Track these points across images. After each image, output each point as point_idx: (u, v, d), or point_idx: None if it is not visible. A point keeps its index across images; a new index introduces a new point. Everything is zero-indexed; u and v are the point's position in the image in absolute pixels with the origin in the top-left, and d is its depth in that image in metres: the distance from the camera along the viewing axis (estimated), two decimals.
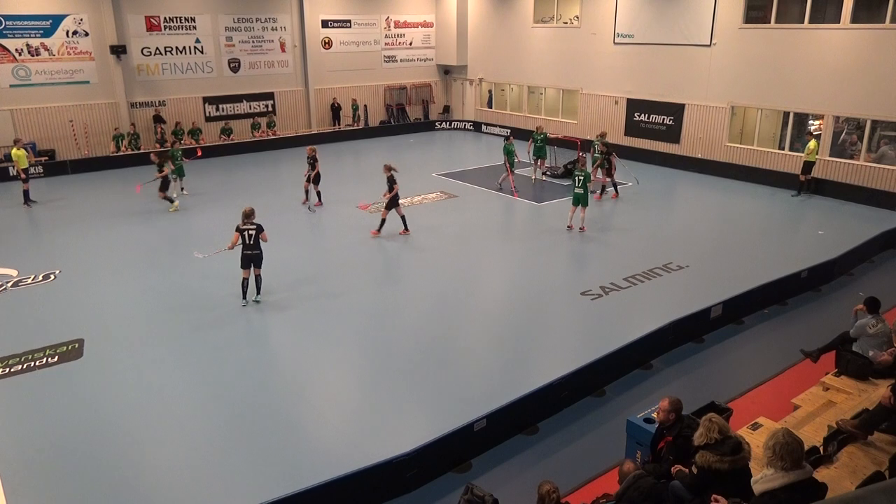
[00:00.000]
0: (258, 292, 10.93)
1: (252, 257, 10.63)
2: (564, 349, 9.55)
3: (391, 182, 13.91)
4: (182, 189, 17.90)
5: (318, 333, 10.07)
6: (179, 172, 17.64)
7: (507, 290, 12.04)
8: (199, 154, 19.83)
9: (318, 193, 16.74)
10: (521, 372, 8.75)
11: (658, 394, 6.09)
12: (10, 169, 18.80)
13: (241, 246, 10.56)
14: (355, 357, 9.43)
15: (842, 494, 2.23)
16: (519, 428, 7.81)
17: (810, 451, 5.41)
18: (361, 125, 27.36)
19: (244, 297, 10.80)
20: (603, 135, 18.06)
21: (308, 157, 16.43)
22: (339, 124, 26.91)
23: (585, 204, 14.25)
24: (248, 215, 10.61)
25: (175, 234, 14.82)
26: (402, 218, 14.27)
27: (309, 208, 16.46)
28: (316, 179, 16.49)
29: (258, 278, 10.83)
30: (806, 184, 17.29)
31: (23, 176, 17.28)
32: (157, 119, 23.25)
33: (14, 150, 17.35)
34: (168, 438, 7.51)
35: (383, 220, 14.18)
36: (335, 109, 26.82)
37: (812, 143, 16.84)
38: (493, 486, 6.00)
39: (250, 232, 10.50)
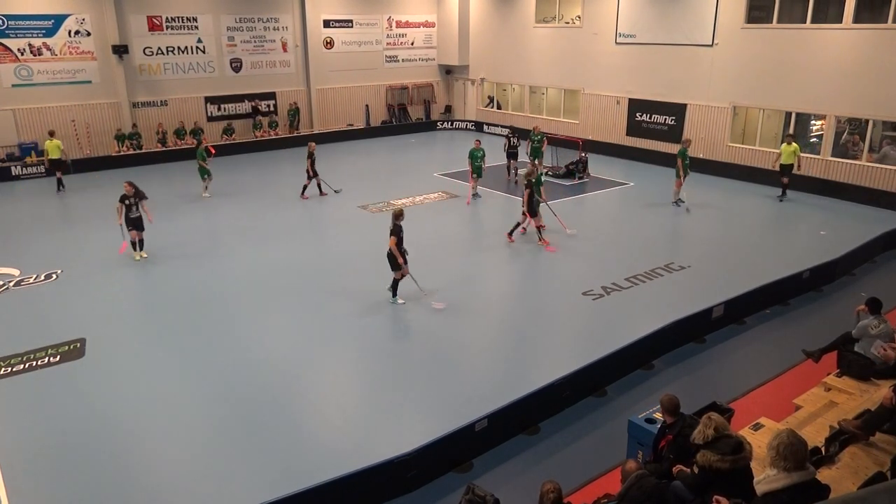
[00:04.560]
0: (392, 294, 10.84)
1: (387, 256, 10.62)
2: (566, 349, 9.54)
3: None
4: (206, 189, 17.78)
5: (318, 332, 10.06)
6: (206, 173, 17.48)
7: (509, 289, 12.03)
8: (213, 153, 19.56)
9: (305, 187, 17.48)
10: (523, 372, 8.74)
11: (659, 394, 6.09)
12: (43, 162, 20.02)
13: None
14: (356, 356, 9.42)
15: (844, 495, 2.23)
16: (520, 428, 7.81)
17: (812, 451, 5.39)
18: (298, 132, 25.64)
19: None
20: (687, 143, 16.62)
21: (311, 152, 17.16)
22: (297, 129, 25.73)
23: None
24: (393, 216, 10.58)
25: (176, 235, 14.82)
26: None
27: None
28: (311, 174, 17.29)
29: (393, 281, 10.78)
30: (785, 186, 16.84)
31: (61, 166, 18.73)
32: (255, 111, 24.13)
33: (48, 142, 18.70)
34: (169, 438, 7.51)
35: None
36: (292, 112, 25.74)
37: (788, 146, 16.11)
38: (494, 487, 5.99)
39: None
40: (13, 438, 7.57)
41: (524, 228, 14.18)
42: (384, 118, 28.56)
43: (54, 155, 18.67)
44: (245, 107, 24.99)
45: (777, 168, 16.59)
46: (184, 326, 10.24)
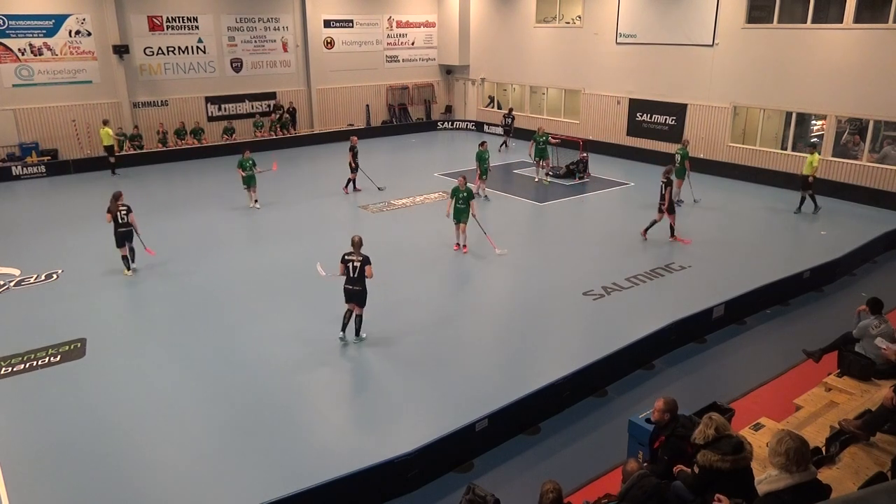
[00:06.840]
0: (356, 333, 9.55)
1: (353, 293, 9.30)
2: (566, 349, 9.54)
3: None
4: (255, 201, 16.89)
5: (318, 333, 10.05)
6: (251, 182, 16.76)
7: (510, 289, 12.03)
8: (275, 168, 18.99)
9: (349, 181, 18.06)
10: (523, 372, 8.74)
11: (660, 394, 6.10)
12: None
13: (345, 278, 9.30)
14: (356, 356, 9.42)
15: (845, 495, 2.23)
16: (521, 428, 7.81)
17: (813, 451, 5.39)
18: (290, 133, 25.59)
19: (342, 330, 9.54)
20: (685, 143, 16.77)
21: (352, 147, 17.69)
22: (290, 130, 25.67)
23: (465, 221, 13.19)
24: (357, 245, 9.23)
25: (176, 236, 14.82)
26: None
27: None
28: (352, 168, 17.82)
29: (358, 318, 9.48)
30: (804, 198, 15.99)
31: (114, 152, 20.52)
32: (277, 108, 25.09)
33: (101, 130, 20.20)
34: (169, 438, 7.52)
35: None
36: (292, 112, 25.82)
37: (812, 155, 15.43)
38: (494, 486, 5.99)
39: (355, 264, 9.15)
40: (13, 438, 7.57)
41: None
42: (385, 118, 28.55)
43: (106, 142, 20.12)
44: (246, 107, 25.01)
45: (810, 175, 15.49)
46: (184, 327, 10.24)
